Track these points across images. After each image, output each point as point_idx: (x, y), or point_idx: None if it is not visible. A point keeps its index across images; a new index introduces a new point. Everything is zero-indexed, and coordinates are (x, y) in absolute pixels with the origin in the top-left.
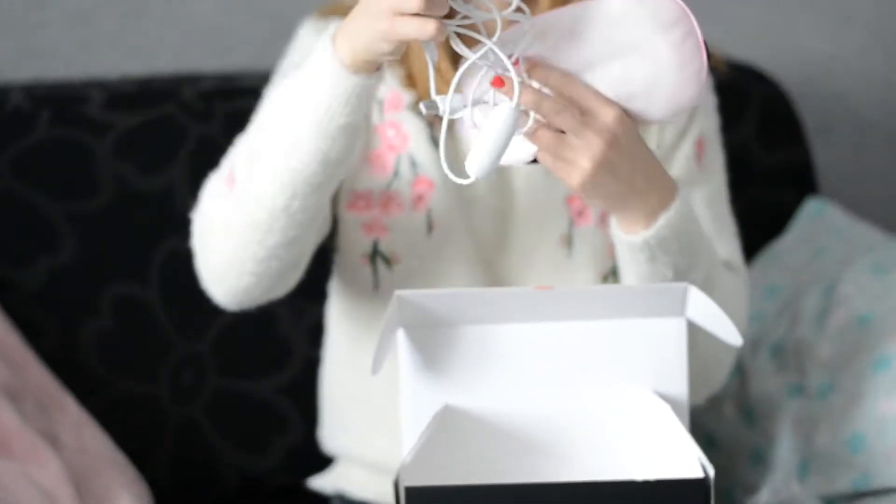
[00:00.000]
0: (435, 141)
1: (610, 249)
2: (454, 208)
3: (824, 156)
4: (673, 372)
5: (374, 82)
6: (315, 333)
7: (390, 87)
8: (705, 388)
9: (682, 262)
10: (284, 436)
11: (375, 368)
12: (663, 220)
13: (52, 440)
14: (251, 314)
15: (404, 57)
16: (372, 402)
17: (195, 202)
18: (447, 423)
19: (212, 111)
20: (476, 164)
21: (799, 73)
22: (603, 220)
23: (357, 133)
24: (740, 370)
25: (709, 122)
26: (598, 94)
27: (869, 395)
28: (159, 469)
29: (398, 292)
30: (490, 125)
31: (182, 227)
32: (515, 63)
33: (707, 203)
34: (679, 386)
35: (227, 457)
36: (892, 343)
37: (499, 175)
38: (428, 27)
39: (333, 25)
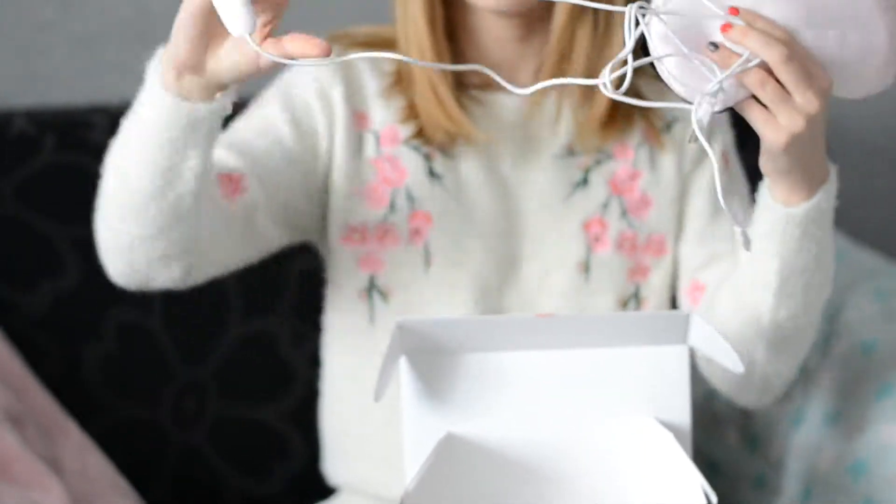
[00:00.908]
0: (433, 174)
1: (630, 274)
2: (453, 242)
3: None
4: (675, 399)
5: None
6: (317, 359)
7: (384, 120)
8: (773, 392)
9: (824, 240)
10: (286, 462)
11: (378, 396)
12: (822, 192)
13: (55, 465)
14: (254, 340)
15: (406, 87)
16: (372, 435)
17: None
18: (450, 451)
19: None
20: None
21: None
22: (621, 246)
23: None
24: None
25: (728, 137)
26: (814, 56)
27: (872, 422)
28: (161, 494)
29: (400, 320)
30: None
31: None
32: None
33: None
34: (681, 413)
35: (230, 482)
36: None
37: (506, 204)
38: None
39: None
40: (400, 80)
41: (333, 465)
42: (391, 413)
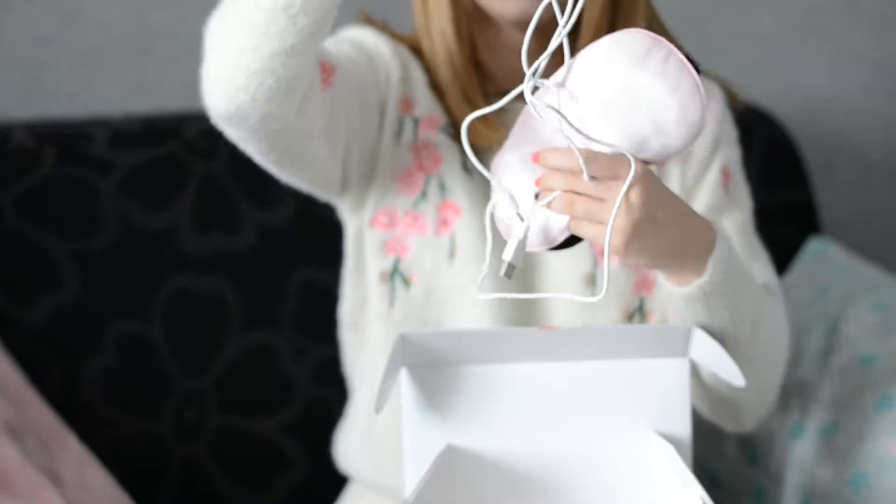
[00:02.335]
0: (466, 168)
1: (636, 287)
2: (479, 237)
3: (827, 195)
4: (676, 412)
5: None
6: (318, 372)
7: (427, 108)
8: (758, 412)
9: (734, 300)
10: (287, 474)
11: (378, 408)
12: (712, 264)
13: (54, 477)
14: (254, 353)
15: (440, 86)
16: (386, 423)
17: (198, 241)
18: (450, 462)
19: (215, 149)
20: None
21: (801, 113)
22: None
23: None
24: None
25: (732, 153)
26: (609, 155)
27: (871, 435)
28: None
29: (402, 332)
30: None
31: (185, 266)
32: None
33: (739, 231)
34: (682, 426)
35: (230, 495)
36: (895, 383)
37: None
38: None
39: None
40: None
41: (350, 448)
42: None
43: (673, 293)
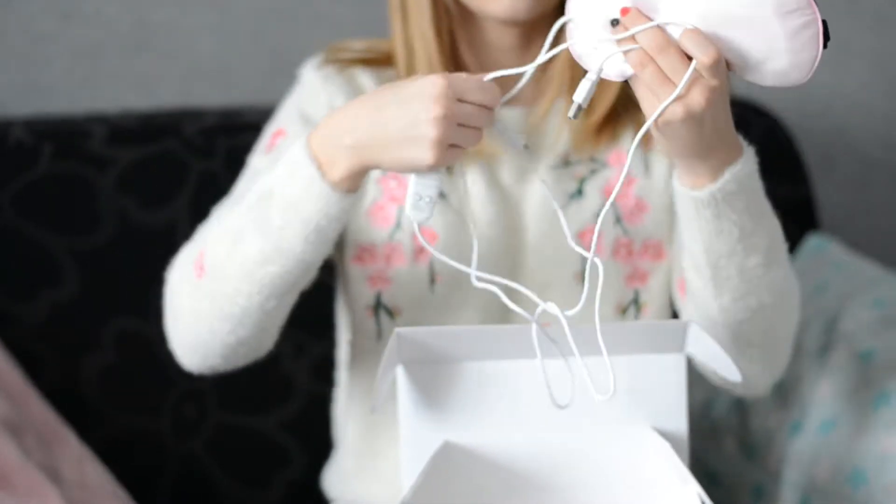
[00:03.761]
0: (440, 193)
1: (628, 280)
2: (457, 260)
3: (825, 191)
4: (672, 408)
5: (358, 196)
6: (317, 369)
7: None
8: (770, 373)
9: (747, 221)
10: (285, 471)
11: (374, 406)
12: (729, 173)
13: (53, 475)
14: None
15: None
16: (381, 452)
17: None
18: (447, 459)
19: (213, 147)
20: (419, 213)
21: (799, 109)
22: (617, 253)
23: (336, 239)
24: (741, 406)
25: None
26: (704, 44)
27: (870, 431)
28: (161, 503)
29: (398, 329)
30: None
31: None
32: None
33: None
34: (679, 421)
35: (229, 492)
36: (894, 379)
37: (508, 217)
38: (477, 142)
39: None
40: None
41: (336, 480)
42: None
43: (686, 196)
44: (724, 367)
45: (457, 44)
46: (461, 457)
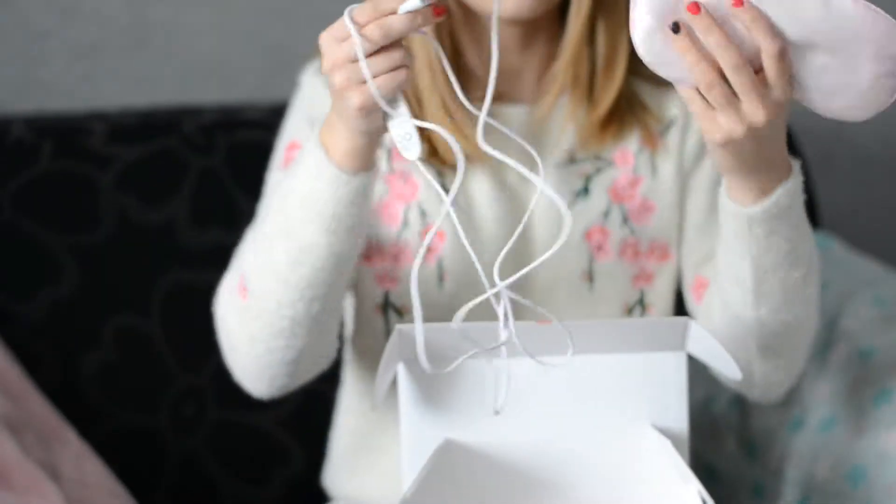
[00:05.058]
0: (445, 191)
1: (634, 280)
2: (465, 259)
3: (825, 189)
4: (673, 406)
5: (372, 176)
6: None
7: None
8: (789, 380)
9: (795, 235)
10: (285, 468)
11: (375, 403)
12: (782, 189)
13: (53, 472)
14: None
15: (414, 108)
16: (384, 450)
17: (196, 235)
18: (448, 457)
19: (213, 144)
20: (410, 151)
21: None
22: (623, 253)
23: (364, 226)
24: (741, 403)
25: None
26: (781, 64)
27: (870, 429)
28: (160, 501)
29: (399, 326)
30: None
31: (184, 260)
32: None
33: None
34: (679, 419)
35: (228, 489)
36: (894, 377)
37: (514, 216)
38: (396, 81)
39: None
40: (406, 101)
41: (337, 478)
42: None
43: (737, 213)
44: (724, 366)
45: (457, 42)
46: (462, 454)
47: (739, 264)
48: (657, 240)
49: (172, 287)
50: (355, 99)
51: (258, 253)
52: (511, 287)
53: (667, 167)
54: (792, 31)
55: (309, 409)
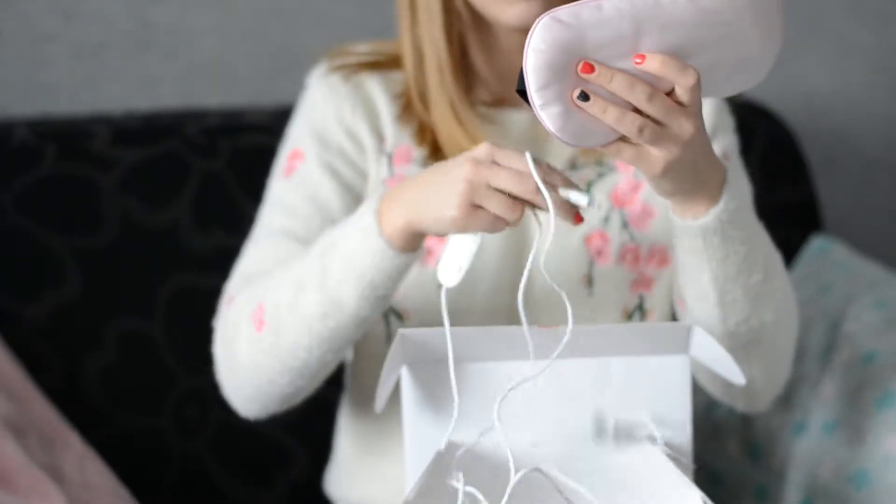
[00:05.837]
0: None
1: (633, 285)
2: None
3: (829, 192)
4: (676, 409)
5: (414, 258)
6: None
7: (397, 141)
8: (772, 388)
9: (749, 236)
10: (288, 471)
11: (378, 406)
12: (727, 193)
13: (56, 475)
14: None
15: (420, 109)
16: (387, 455)
17: (199, 238)
18: (450, 459)
19: (216, 147)
20: (448, 277)
21: (803, 110)
22: (623, 258)
23: (391, 297)
24: None
25: (730, 140)
26: (688, 77)
27: (873, 432)
28: (162, 503)
29: (402, 330)
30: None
31: (186, 263)
32: None
33: None
34: (682, 423)
35: (231, 492)
36: None
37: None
38: (513, 215)
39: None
40: (410, 103)
41: (339, 482)
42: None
43: (692, 229)
44: (728, 371)
45: (467, 48)
46: (465, 457)
47: (700, 280)
48: (657, 245)
49: (175, 289)
50: (453, 208)
51: (285, 293)
52: (507, 299)
53: None
54: (684, 46)
55: (311, 412)
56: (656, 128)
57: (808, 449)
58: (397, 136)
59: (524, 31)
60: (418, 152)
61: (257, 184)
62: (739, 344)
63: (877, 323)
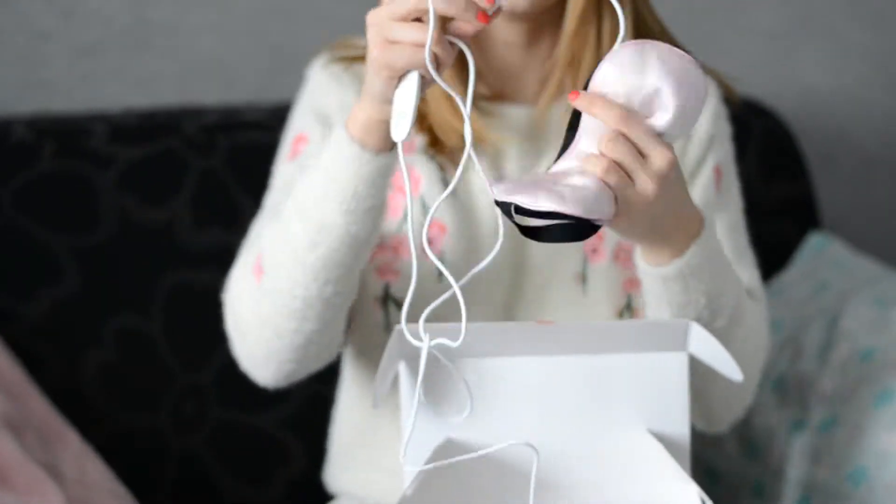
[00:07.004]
0: (446, 184)
1: (625, 284)
2: (466, 253)
3: (826, 189)
4: (674, 406)
5: (392, 160)
6: None
7: None
8: (730, 413)
9: (713, 287)
10: (286, 468)
11: (376, 401)
12: (694, 247)
13: (54, 472)
14: None
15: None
16: (383, 443)
17: (197, 235)
18: (448, 456)
19: (214, 144)
20: (398, 129)
21: (800, 107)
22: (617, 257)
23: (381, 211)
24: None
25: (725, 151)
26: (655, 136)
27: (871, 429)
28: (161, 501)
29: (399, 326)
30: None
31: (184, 260)
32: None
33: (727, 231)
34: (680, 420)
35: (229, 489)
36: (895, 377)
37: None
38: (417, 55)
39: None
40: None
41: (338, 473)
42: (399, 424)
43: (653, 274)
44: (725, 367)
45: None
46: (462, 453)
47: (662, 314)
48: None
49: (173, 287)
50: (402, 58)
51: (278, 234)
52: (504, 293)
53: None
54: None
55: (309, 408)
56: (619, 172)
57: (805, 446)
58: None
59: (517, 19)
60: (419, 140)
61: (255, 181)
62: (698, 373)
63: (874, 320)
